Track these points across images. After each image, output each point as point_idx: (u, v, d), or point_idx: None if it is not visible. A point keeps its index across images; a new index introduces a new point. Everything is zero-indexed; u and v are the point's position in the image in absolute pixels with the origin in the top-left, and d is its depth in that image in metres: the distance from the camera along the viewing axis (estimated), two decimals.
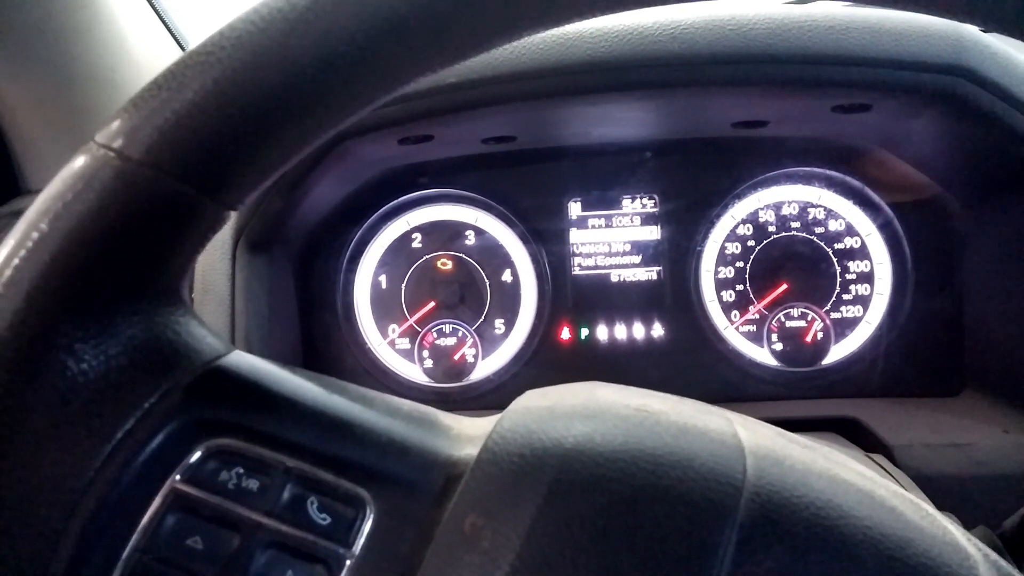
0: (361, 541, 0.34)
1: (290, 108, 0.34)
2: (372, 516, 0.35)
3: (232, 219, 0.90)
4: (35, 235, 0.33)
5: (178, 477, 0.35)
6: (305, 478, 0.35)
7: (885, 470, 0.81)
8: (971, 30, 0.81)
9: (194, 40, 1.10)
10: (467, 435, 0.39)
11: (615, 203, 1.15)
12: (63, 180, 0.33)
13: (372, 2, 0.33)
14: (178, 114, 0.33)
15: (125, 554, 0.33)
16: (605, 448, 0.34)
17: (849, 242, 1.11)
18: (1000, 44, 0.81)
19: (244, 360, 0.39)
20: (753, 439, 0.36)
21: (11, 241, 0.33)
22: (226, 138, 0.34)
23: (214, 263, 0.93)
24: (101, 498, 0.34)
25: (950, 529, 0.37)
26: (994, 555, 0.37)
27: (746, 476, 0.34)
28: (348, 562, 0.34)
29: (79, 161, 0.34)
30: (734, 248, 1.13)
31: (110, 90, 1.00)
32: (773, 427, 0.40)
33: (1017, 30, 0.34)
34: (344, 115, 0.37)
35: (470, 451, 0.37)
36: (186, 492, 0.34)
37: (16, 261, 0.32)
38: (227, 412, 0.37)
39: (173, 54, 1.09)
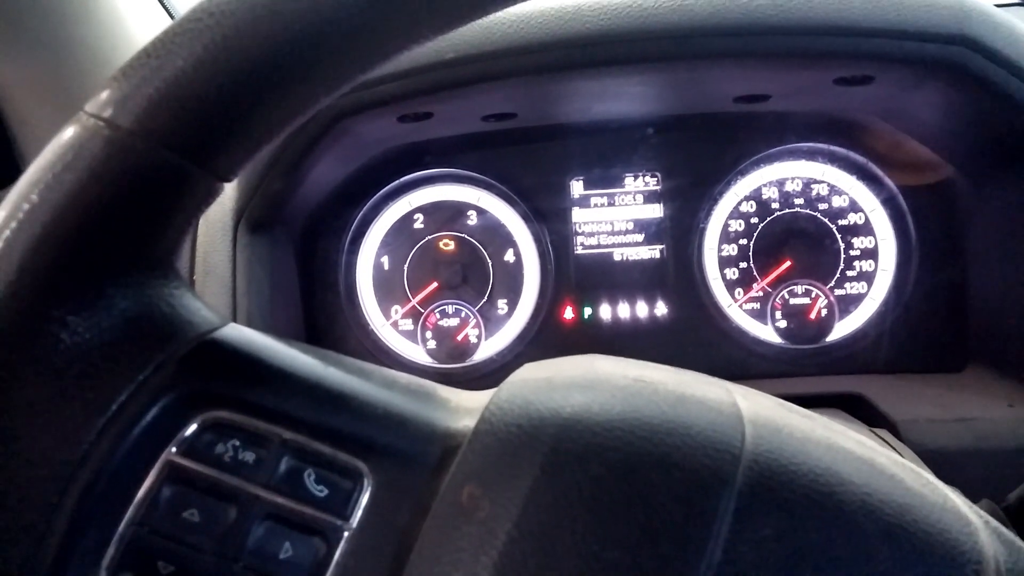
0: (359, 513, 0.34)
1: (281, 76, 0.34)
2: (369, 488, 0.35)
3: (233, 199, 0.91)
4: (25, 206, 0.33)
5: (174, 450, 0.35)
6: (302, 450, 0.35)
7: (889, 445, 0.81)
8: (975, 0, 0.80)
9: None
10: (465, 407, 0.39)
11: (617, 181, 1.14)
12: (53, 151, 0.33)
13: None
14: (168, 82, 0.33)
15: (121, 527, 0.33)
16: (602, 417, 0.34)
17: (853, 218, 1.11)
18: (1004, 14, 0.80)
19: (239, 333, 0.40)
20: (752, 408, 0.36)
21: (1, 213, 0.33)
22: (216, 107, 0.33)
23: (215, 244, 0.93)
24: (96, 471, 0.34)
25: (951, 497, 0.37)
26: (995, 523, 0.37)
27: (744, 444, 0.34)
28: (346, 534, 0.34)
29: (69, 131, 0.34)
30: (737, 225, 1.13)
31: (110, 71, 1.00)
32: (773, 397, 0.40)
33: None
34: (336, 84, 0.36)
35: (467, 423, 0.37)
36: (182, 464, 0.34)
37: (7, 233, 0.32)
38: (222, 384, 0.37)
39: None
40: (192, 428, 0.35)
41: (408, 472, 0.35)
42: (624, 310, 1.14)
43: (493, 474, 0.34)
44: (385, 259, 1.15)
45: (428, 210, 1.15)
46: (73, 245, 0.33)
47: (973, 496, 0.56)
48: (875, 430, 0.86)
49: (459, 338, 1.13)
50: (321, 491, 0.34)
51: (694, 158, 1.13)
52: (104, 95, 0.33)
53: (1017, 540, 0.37)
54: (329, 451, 0.35)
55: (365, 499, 0.34)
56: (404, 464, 0.35)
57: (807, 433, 0.36)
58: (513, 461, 0.34)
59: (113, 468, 0.34)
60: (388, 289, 1.16)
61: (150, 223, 0.36)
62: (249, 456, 0.35)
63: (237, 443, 0.35)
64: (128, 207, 0.34)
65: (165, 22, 1.08)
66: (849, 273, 1.11)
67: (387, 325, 1.15)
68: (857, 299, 1.11)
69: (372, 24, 0.34)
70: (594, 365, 0.40)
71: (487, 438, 0.35)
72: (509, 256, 1.15)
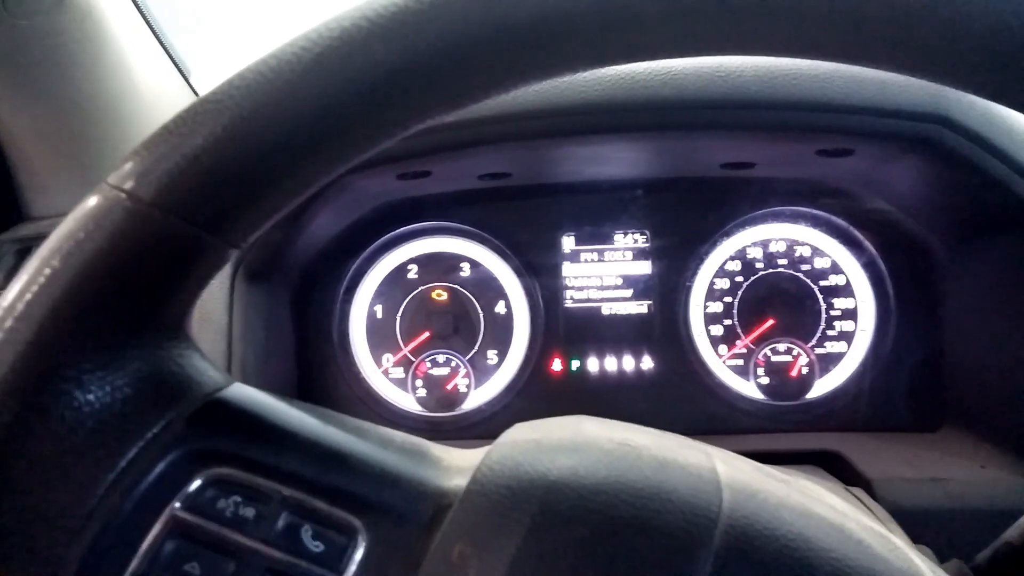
0: (353, 568, 0.35)
1: (295, 154, 0.35)
2: (364, 544, 0.35)
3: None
4: (47, 271, 0.34)
5: (177, 504, 0.35)
6: (300, 506, 0.36)
7: (864, 504, 0.83)
8: None
9: (198, 77, 1.13)
10: (457, 466, 0.39)
11: (607, 238, 1.17)
12: (75, 219, 0.34)
13: (375, 57, 0.34)
14: (187, 158, 0.34)
15: None
16: (588, 481, 0.35)
17: (834, 279, 1.14)
18: None
19: (243, 392, 0.40)
20: (730, 473, 0.37)
21: (24, 276, 0.34)
22: (233, 182, 0.35)
23: (213, 293, 0.94)
24: (102, 525, 0.34)
25: (916, 562, 0.37)
26: None
27: (722, 509, 0.35)
28: None
29: (91, 201, 0.35)
30: (722, 284, 1.16)
31: (115, 121, 1.02)
32: (752, 462, 0.41)
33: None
34: (347, 160, 0.38)
35: (459, 482, 0.37)
36: (185, 519, 0.35)
37: (28, 296, 0.33)
38: (226, 442, 0.37)
39: (177, 87, 1.10)
40: (196, 484, 0.36)
41: (401, 529, 0.36)
42: (611, 363, 1.16)
43: (483, 533, 0.34)
44: (378, 308, 1.17)
45: (422, 261, 1.17)
46: (91, 308, 0.34)
47: (945, 555, 0.58)
48: (851, 488, 0.87)
49: (449, 387, 1.15)
50: (317, 546, 0.35)
51: (682, 218, 1.16)
52: (127, 167, 0.34)
53: None
54: (326, 508, 0.36)
55: (359, 554, 0.35)
56: (397, 521, 0.36)
57: (782, 499, 0.37)
58: (502, 521, 0.34)
59: (119, 522, 0.34)
60: (380, 338, 1.17)
61: (164, 289, 0.37)
62: (250, 512, 0.35)
63: (239, 499, 0.35)
64: (145, 274, 0.35)
65: (172, 74, 1.10)
66: (830, 332, 1.14)
67: (378, 373, 1.17)
68: (837, 358, 1.14)
69: (383, 108, 0.35)
70: (581, 427, 0.40)
71: (478, 498, 0.35)
72: (500, 308, 1.17)
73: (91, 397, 0.35)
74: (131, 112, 1.02)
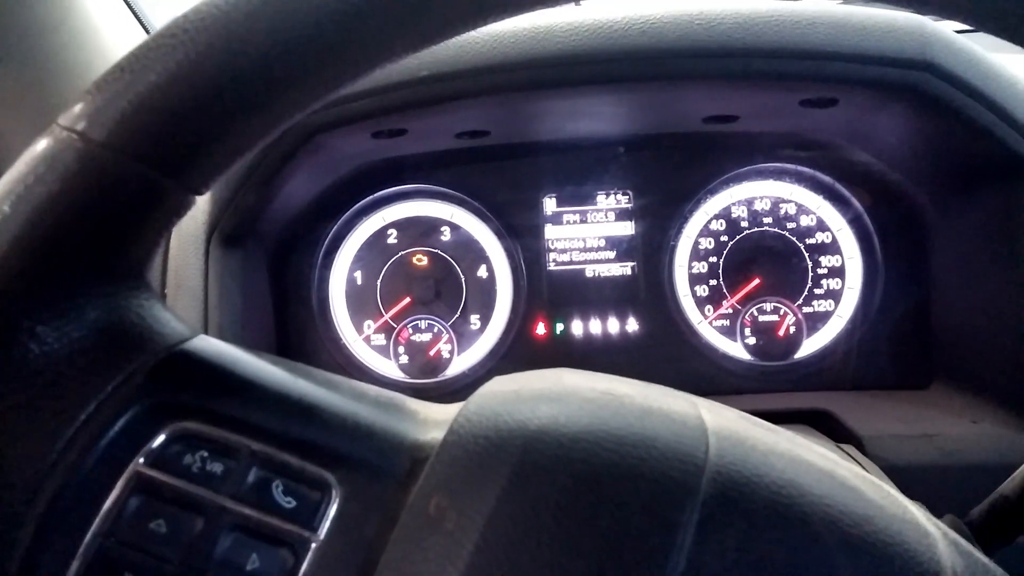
0: (326, 524, 0.34)
1: (254, 92, 0.34)
2: (337, 499, 0.35)
3: (205, 213, 0.91)
4: None
5: (141, 460, 0.34)
6: (270, 461, 0.35)
7: (855, 460, 0.82)
8: (936, 25, 0.82)
9: None
10: (433, 419, 0.39)
11: (589, 199, 1.16)
12: (25, 162, 0.33)
13: None
14: (141, 96, 0.33)
15: (87, 538, 0.33)
16: (569, 429, 0.35)
17: (820, 237, 1.13)
18: (964, 40, 0.82)
19: (209, 344, 0.39)
20: (717, 421, 0.37)
21: None
22: (189, 121, 0.34)
23: (187, 258, 0.93)
24: (63, 482, 0.33)
25: (911, 509, 0.37)
26: (953, 534, 0.38)
27: (708, 456, 0.34)
28: (313, 545, 0.34)
29: (41, 143, 0.34)
30: (707, 243, 1.14)
31: (83, 82, 1.00)
32: (737, 411, 0.40)
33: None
34: (309, 100, 0.37)
35: (436, 434, 0.37)
36: (149, 475, 0.34)
37: None
38: (191, 395, 0.37)
39: None
40: (160, 439, 0.35)
41: (376, 483, 0.35)
42: (595, 326, 1.15)
43: (461, 485, 0.34)
44: (358, 274, 1.16)
45: (402, 225, 1.16)
46: (44, 256, 0.33)
47: (937, 511, 0.56)
48: (841, 446, 0.87)
49: (431, 353, 1.13)
50: (289, 502, 0.34)
51: (665, 177, 1.14)
52: (77, 108, 0.33)
53: (975, 551, 0.37)
54: (297, 462, 0.35)
55: (333, 510, 0.34)
56: (372, 476, 0.35)
57: (770, 446, 0.36)
58: (481, 472, 0.34)
59: (80, 479, 0.34)
60: (361, 304, 1.16)
61: (121, 235, 0.36)
62: (217, 467, 0.35)
63: (205, 454, 0.35)
64: (99, 219, 0.34)
65: (139, 34, 1.08)
66: (817, 291, 1.13)
67: (359, 340, 1.15)
68: (824, 317, 1.13)
69: (345, 43, 0.34)
70: (562, 378, 0.40)
71: (455, 450, 0.35)
72: (482, 272, 1.16)
73: (47, 348, 0.34)
74: (98, 70, 1.00)
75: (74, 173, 0.33)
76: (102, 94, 0.33)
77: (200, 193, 0.38)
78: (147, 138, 0.33)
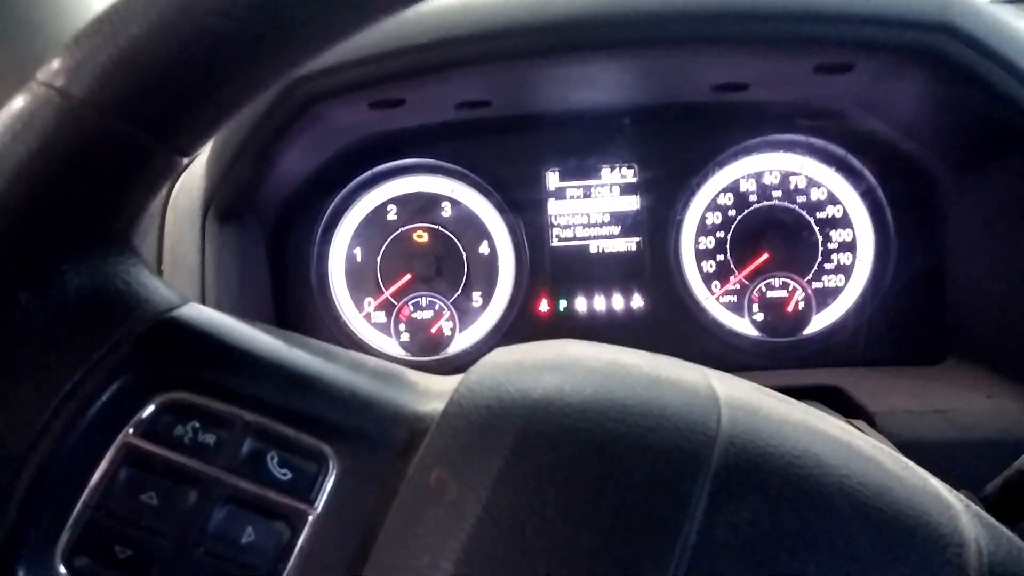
0: (324, 497, 0.34)
1: (241, 45, 0.33)
2: (335, 471, 0.34)
3: (201, 188, 0.89)
4: None
5: (131, 431, 0.34)
6: (265, 432, 0.35)
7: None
8: None
9: None
10: (434, 390, 0.38)
11: (593, 172, 1.13)
12: (1, 120, 0.32)
13: None
14: (122, 49, 0.31)
15: (76, 510, 0.32)
16: (574, 399, 0.34)
17: (831, 210, 1.11)
18: (985, 3, 0.80)
19: (199, 312, 0.39)
20: (728, 390, 0.36)
21: None
22: (173, 76, 0.32)
23: (183, 233, 0.91)
24: (50, 453, 0.33)
25: (931, 480, 0.36)
26: (976, 506, 0.37)
27: (720, 426, 0.33)
28: (310, 518, 0.33)
29: (19, 100, 0.32)
30: (715, 218, 1.12)
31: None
32: (749, 382, 0.39)
33: None
34: (300, 55, 0.35)
35: (436, 405, 0.36)
36: (139, 446, 0.34)
37: None
38: (181, 364, 0.36)
39: None
40: (150, 409, 0.34)
41: (375, 455, 0.35)
42: (600, 303, 1.13)
43: (462, 456, 0.33)
44: (358, 250, 1.14)
45: (401, 201, 1.13)
46: (23, 219, 0.32)
47: (951, 487, 0.55)
48: (852, 421, 0.85)
49: (433, 331, 1.12)
50: (285, 474, 0.34)
51: (671, 149, 1.12)
52: (56, 63, 0.32)
53: (998, 524, 0.36)
54: (293, 434, 0.35)
55: (330, 483, 0.34)
56: (370, 447, 0.35)
57: (784, 416, 0.35)
58: (482, 443, 0.33)
59: (68, 450, 0.33)
60: (361, 281, 1.14)
61: (105, 198, 0.35)
62: (210, 438, 0.34)
63: (197, 425, 0.34)
64: (81, 180, 0.33)
65: None
66: (827, 266, 1.11)
67: (360, 317, 1.14)
68: (835, 292, 1.11)
69: None
70: (566, 348, 0.39)
71: (456, 420, 0.34)
72: (484, 248, 1.13)
73: (29, 316, 0.33)
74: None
75: (53, 131, 0.32)
76: (82, 48, 0.32)
77: (186, 155, 0.37)
78: (130, 94, 0.32)
